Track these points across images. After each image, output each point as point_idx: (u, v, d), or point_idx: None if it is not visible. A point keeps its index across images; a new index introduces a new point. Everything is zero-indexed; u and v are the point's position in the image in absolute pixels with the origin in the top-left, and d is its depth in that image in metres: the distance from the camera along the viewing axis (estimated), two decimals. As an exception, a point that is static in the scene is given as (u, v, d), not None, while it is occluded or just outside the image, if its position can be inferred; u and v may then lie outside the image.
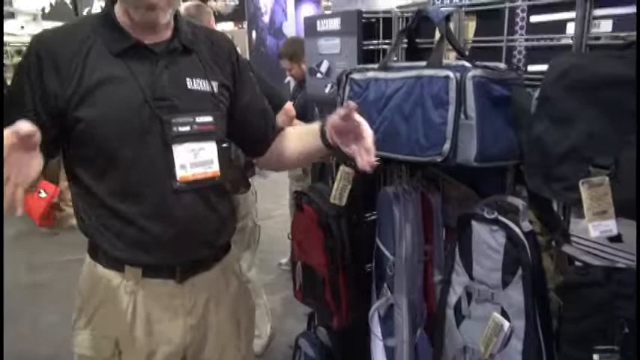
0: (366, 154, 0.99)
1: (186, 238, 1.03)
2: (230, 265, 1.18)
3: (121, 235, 1.00)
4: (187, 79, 1.02)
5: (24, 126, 0.71)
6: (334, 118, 1.03)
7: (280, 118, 2.18)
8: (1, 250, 0.88)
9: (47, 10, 14.08)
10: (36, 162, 0.77)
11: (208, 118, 1.03)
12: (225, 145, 1.09)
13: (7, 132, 0.71)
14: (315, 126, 1.13)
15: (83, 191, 1.01)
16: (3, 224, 0.88)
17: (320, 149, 1.12)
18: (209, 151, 1.03)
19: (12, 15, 13.97)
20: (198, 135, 1.01)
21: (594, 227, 0.90)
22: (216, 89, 1.06)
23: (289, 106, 2.24)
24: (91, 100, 0.94)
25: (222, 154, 1.07)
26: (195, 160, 1.01)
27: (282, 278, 3.18)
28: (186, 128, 1.00)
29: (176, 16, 1.03)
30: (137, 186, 0.98)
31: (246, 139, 1.20)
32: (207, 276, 1.10)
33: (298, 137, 1.21)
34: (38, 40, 0.98)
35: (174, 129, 0.98)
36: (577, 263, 1.05)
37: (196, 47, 1.05)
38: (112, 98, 0.95)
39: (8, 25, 13.57)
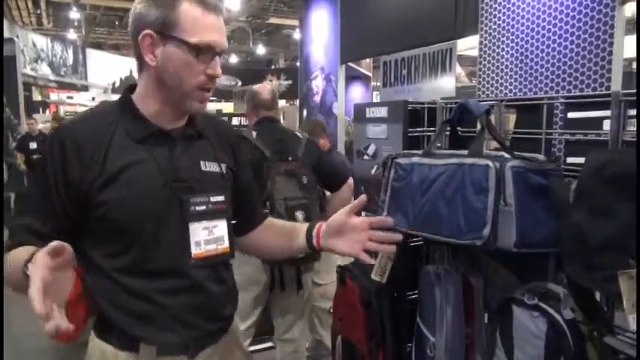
0: (369, 243, 1.05)
1: (200, 312, 1.07)
2: (233, 334, 1.22)
3: (135, 312, 1.03)
4: (201, 162, 1.11)
5: (54, 244, 0.78)
6: (337, 217, 1.10)
7: (344, 192, 2.27)
8: (1, 250, 0.96)
9: (117, 85, 15.37)
10: (69, 275, 0.85)
11: (221, 198, 1.11)
12: (233, 222, 1.16)
13: (39, 254, 0.78)
14: (302, 226, 1.18)
15: (93, 269, 1.03)
16: (3, 228, 0.96)
17: (302, 249, 1.17)
18: (221, 228, 1.11)
19: (86, 88, 15.34)
20: (213, 213, 1.09)
21: (634, 320, 0.91)
22: (224, 170, 1.15)
23: (351, 181, 2.27)
24: (115, 184, 1.00)
25: (231, 231, 1.14)
26: (209, 237, 1.08)
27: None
28: (203, 207, 1.07)
29: None
30: (154, 263, 1.03)
31: (235, 217, 1.23)
32: (215, 348, 1.13)
33: (281, 232, 1.26)
34: (61, 131, 1.05)
35: (192, 208, 1.05)
36: (621, 355, 1.04)
37: (206, 133, 1.15)
38: (135, 181, 1.01)
39: (81, 96, 14.89)
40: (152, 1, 1.00)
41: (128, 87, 1.11)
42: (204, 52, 1.00)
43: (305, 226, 1.18)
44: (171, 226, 1.04)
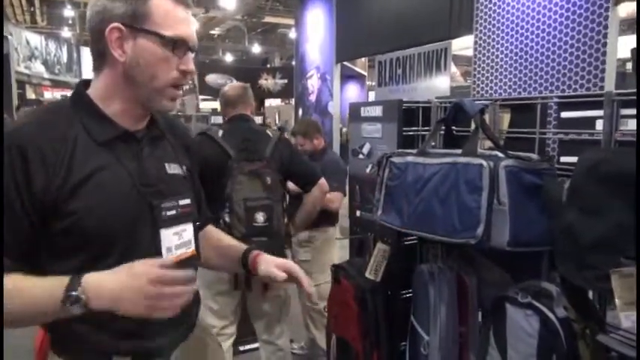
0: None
1: (173, 318, 1.00)
2: (199, 327, 1.19)
3: (105, 324, 0.95)
4: (166, 165, 1.05)
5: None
6: (270, 268, 1.14)
7: (314, 192, 2.27)
8: (1, 252, 0.89)
9: (111, 83, 15.31)
10: None
11: (187, 201, 1.07)
12: (197, 224, 1.14)
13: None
14: (239, 248, 1.18)
15: None
16: (3, 229, 0.88)
17: (235, 269, 1.18)
18: (189, 231, 1.07)
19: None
20: (182, 217, 1.04)
21: (626, 317, 0.91)
22: (186, 172, 1.11)
23: (323, 181, 2.28)
24: (84, 190, 0.92)
25: (196, 233, 1.11)
26: (178, 241, 1.04)
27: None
28: (173, 212, 1.02)
29: None
30: None
31: None
32: (185, 345, 1.11)
33: (217, 247, 1.24)
34: (19, 136, 0.92)
35: (164, 213, 1.00)
36: (613, 353, 1.05)
37: (166, 133, 1.09)
38: (104, 186, 0.94)
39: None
40: None
41: (81, 83, 1.03)
42: (178, 46, 0.96)
43: (240, 250, 1.18)
44: (142, 232, 0.99)
